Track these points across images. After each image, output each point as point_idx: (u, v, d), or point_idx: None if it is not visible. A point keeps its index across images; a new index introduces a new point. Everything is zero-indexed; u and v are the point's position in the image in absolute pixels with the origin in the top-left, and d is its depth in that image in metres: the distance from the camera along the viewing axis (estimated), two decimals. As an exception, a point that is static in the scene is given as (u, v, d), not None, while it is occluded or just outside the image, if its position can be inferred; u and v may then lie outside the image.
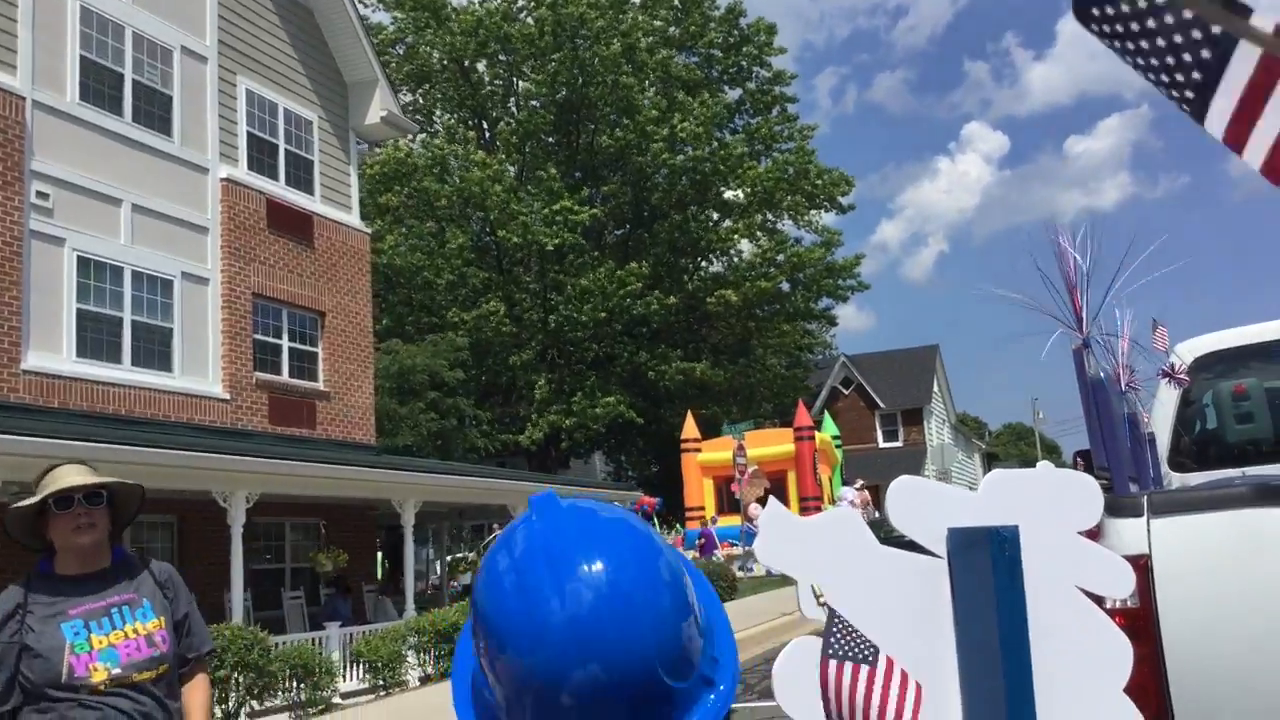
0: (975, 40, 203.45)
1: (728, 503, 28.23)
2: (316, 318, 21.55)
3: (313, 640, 15.26)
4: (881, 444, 51.75)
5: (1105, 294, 4.35)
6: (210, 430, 18.31)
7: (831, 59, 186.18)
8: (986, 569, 1.68)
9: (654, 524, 19.99)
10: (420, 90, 42.15)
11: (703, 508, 28.35)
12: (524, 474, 23.73)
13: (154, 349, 18.15)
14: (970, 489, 1.89)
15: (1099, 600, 1.81)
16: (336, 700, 14.38)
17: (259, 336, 20.12)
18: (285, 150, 21.35)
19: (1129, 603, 3.57)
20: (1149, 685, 3.52)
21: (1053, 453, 69.92)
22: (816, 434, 29.25)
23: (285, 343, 20.80)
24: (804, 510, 27.88)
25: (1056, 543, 1.77)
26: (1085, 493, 1.88)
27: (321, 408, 21.30)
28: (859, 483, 31.65)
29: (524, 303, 36.27)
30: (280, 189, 21.01)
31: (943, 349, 57.13)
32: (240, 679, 11.63)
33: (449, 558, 27.62)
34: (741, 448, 28.78)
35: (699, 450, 28.01)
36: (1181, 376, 6.01)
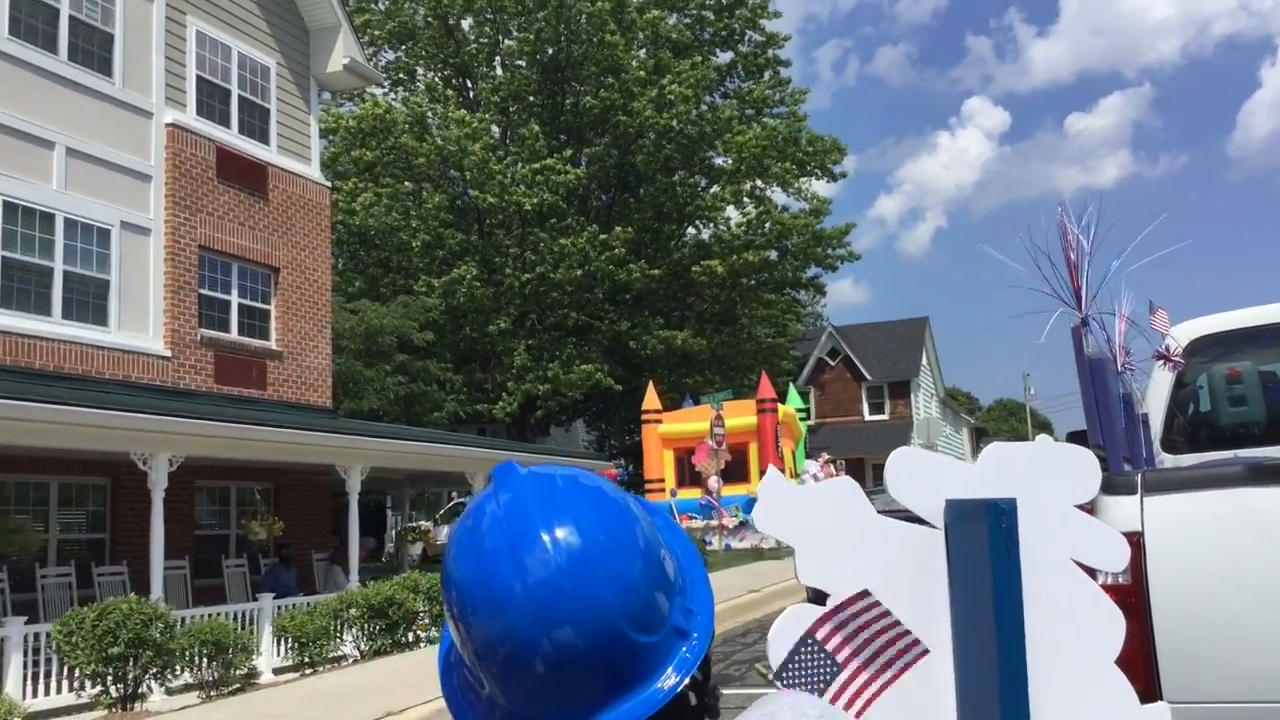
0: (978, 15, 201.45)
1: (689, 476, 27.25)
2: (269, 273, 20.53)
3: (239, 614, 14.36)
4: (867, 416, 50.77)
5: (1107, 273, 4.38)
6: (147, 389, 17.33)
7: (835, 31, 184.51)
8: (983, 540, 1.68)
9: None
10: (403, 48, 40.92)
11: (663, 480, 27.40)
12: (481, 440, 22.74)
13: (88, 302, 17.15)
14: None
15: (1092, 574, 1.80)
16: (264, 680, 13.47)
17: (205, 291, 19.11)
18: (239, 97, 20.26)
19: (1120, 579, 3.59)
20: (1138, 660, 3.56)
21: (1044, 429, 69.21)
22: (780, 407, 28.28)
23: (234, 299, 19.79)
24: None
25: (1053, 515, 1.77)
26: (1083, 466, 1.88)
27: (273, 368, 20.30)
28: (823, 456, 30.76)
29: (503, 267, 35.16)
30: (232, 137, 19.95)
31: (937, 324, 56.45)
32: (138, 656, 10.64)
33: (399, 528, 26.74)
34: (720, 418, 27.91)
35: (660, 422, 27.03)
36: (1176, 358, 5.99)
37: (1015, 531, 1.70)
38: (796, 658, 1.75)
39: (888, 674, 1.75)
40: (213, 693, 11.65)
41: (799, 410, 31.54)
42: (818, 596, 1.82)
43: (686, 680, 1.19)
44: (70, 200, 16.91)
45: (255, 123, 20.62)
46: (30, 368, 15.86)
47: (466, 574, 1.16)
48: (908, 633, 1.77)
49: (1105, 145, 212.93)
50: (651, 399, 28.38)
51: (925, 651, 1.77)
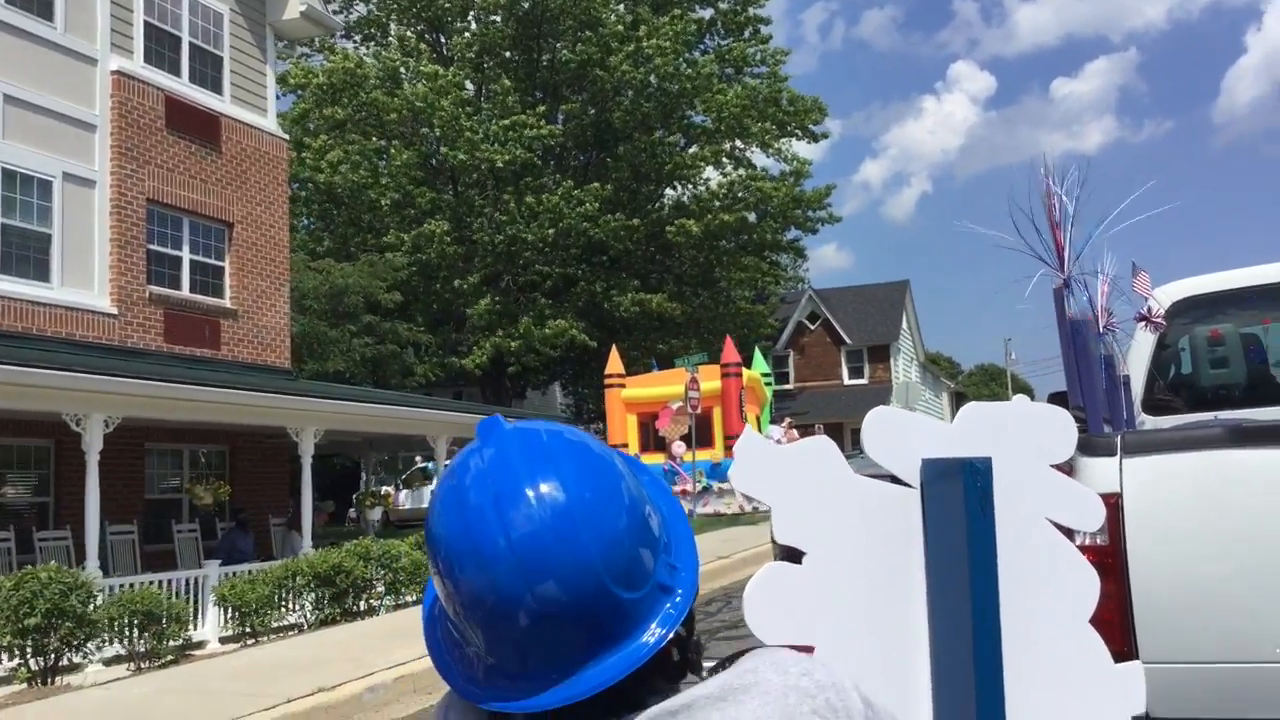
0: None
1: (653, 441, 26.65)
2: (223, 229, 19.76)
3: (186, 581, 13.71)
4: (847, 381, 49.96)
5: (1090, 235, 4.38)
6: (91, 347, 16.59)
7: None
8: (958, 499, 1.68)
9: None
10: (375, 1, 39.95)
11: (626, 445, 26.80)
12: (442, 402, 22.00)
13: (28, 256, 16.41)
14: None
15: (1069, 534, 1.79)
16: (205, 651, 12.83)
17: (154, 247, 18.35)
18: (190, 44, 19.43)
19: (1098, 540, 3.63)
20: (1115, 620, 3.59)
21: (1025, 394, 68.77)
22: (745, 371, 27.67)
23: (186, 254, 19.04)
24: (729, 449, 26.43)
25: (1029, 475, 1.77)
26: (1060, 426, 1.86)
27: (227, 327, 19.56)
28: (786, 420, 30.19)
29: (473, 224, 34.31)
30: (183, 86, 19.14)
31: (921, 288, 55.75)
32: (57, 628, 9.96)
33: (355, 493, 26.08)
34: (695, 381, 27.33)
35: (623, 386, 26.43)
36: (1158, 320, 5.96)
37: (990, 490, 1.69)
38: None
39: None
40: (144, 664, 11.00)
41: (765, 375, 31.01)
42: (789, 554, 1.79)
43: (670, 635, 1.19)
44: (8, 150, 16.13)
45: (208, 71, 19.80)
46: (-35, 325, 15.15)
47: (451, 528, 1.16)
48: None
49: (1090, 110, 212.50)
50: (615, 363, 27.74)
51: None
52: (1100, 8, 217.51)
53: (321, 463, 33.18)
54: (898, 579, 1.76)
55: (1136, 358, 6.25)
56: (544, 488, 1.14)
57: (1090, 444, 3.82)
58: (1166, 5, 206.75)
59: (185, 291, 18.90)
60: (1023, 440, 1.79)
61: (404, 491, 31.24)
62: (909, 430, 1.82)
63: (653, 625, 1.18)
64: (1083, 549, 1.82)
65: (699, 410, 27.21)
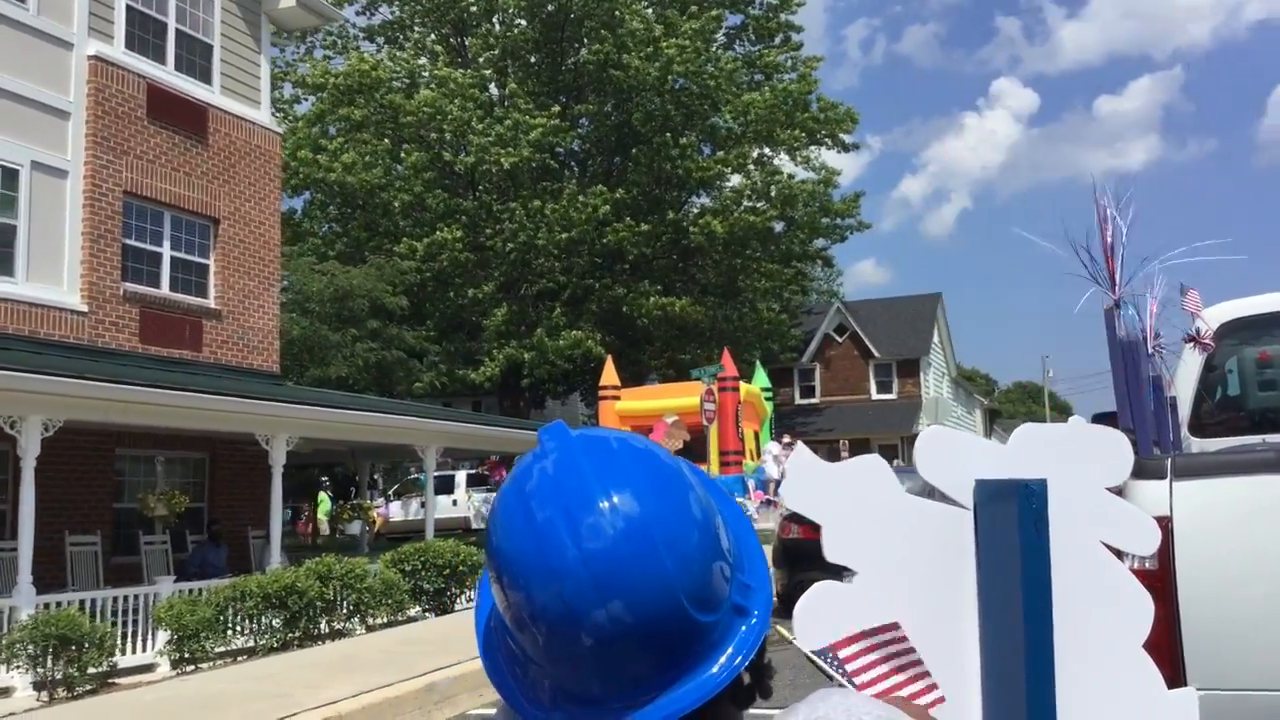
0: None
1: None
2: (208, 225, 18.80)
3: (132, 599, 12.67)
4: (874, 395, 48.42)
5: (1153, 266, 4.63)
6: (58, 345, 15.65)
7: (864, 10, 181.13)
8: (1012, 521, 1.61)
9: None
10: (398, 2, 39.14)
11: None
12: (429, 410, 20.86)
13: (-10, 248, 15.46)
14: None
15: (1120, 557, 1.76)
16: (132, 680, 11.74)
17: (131, 242, 17.41)
18: (176, 30, 18.51)
19: (1148, 563, 3.59)
20: (1164, 645, 3.52)
21: (1063, 412, 67.20)
22: (743, 385, 26.80)
23: (166, 251, 18.07)
24: (724, 465, 25.25)
25: (1084, 498, 1.74)
26: (1116, 449, 1.81)
27: (210, 327, 18.59)
28: (785, 438, 29.09)
29: (487, 230, 33.27)
30: (167, 74, 18.22)
31: (960, 305, 54.38)
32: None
33: (331, 508, 25.02)
34: (710, 393, 26.36)
35: (617, 398, 25.65)
36: (1206, 342, 5.93)
37: (1045, 513, 1.61)
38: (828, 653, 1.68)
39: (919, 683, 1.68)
40: (58, 693, 9.96)
41: (765, 390, 30.21)
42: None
43: (746, 663, 1.15)
44: (-25, 138, 15.22)
45: (195, 60, 18.87)
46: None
47: (519, 540, 1.11)
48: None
49: (1134, 128, 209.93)
50: (610, 375, 26.86)
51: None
52: (1145, 26, 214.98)
53: (326, 472, 32.30)
54: (948, 600, 1.71)
55: (1184, 379, 6.23)
56: (617, 499, 1.09)
57: (1140, 467, 3.77)
58: (1212, 24, 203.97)
59: (165, 290, 17.94)
60: (1078, 462, 1.73)
61: (395, 503, 30.19)
62: (963, 450, 1.78)
63: (728, 650, 1.13)
64: (1131, 572, 1.75)
65: (713, 422, 26.20)
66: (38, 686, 10.22)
